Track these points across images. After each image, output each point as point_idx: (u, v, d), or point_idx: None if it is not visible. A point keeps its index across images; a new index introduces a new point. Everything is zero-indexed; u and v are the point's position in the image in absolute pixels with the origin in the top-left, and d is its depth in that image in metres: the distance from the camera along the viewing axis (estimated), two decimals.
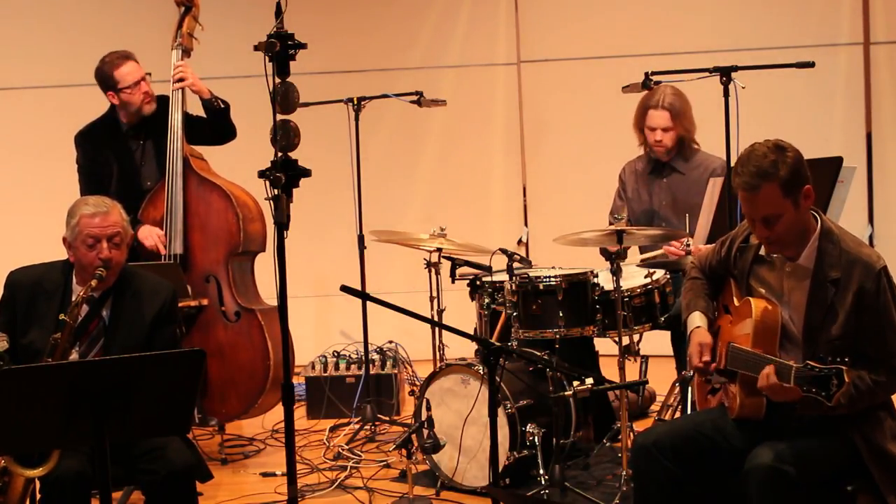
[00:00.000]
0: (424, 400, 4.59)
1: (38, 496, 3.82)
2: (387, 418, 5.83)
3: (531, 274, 4.99)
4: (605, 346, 5.32)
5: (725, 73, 4.70)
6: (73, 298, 3.88)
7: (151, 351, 3.77)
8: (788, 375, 3.28)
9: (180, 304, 4.46)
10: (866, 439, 3.42)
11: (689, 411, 4.85)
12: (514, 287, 4.90)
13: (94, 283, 3.86)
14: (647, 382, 5.48)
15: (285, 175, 3.55)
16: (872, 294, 3.38)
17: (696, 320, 3.72)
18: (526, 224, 7.18)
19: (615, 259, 4.69)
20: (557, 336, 4.85)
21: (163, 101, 5.40)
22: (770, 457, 3.34)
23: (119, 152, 5.43)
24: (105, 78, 5.33)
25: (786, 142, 3.46)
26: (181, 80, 5.33)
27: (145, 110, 5.38)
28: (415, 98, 5.84)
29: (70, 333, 3.81)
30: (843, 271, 3.42)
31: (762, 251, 3.58)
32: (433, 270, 5.42)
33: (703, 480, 3.50)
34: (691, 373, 4.69)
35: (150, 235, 5.25)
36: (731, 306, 3.69)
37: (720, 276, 3.79)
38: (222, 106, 5.41)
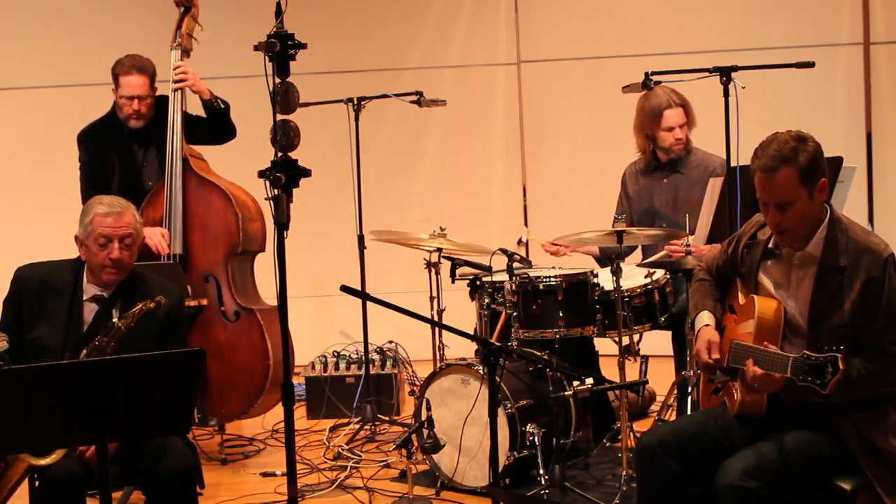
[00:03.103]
0: (424, 400, 4.59)
1: (35, 494, 3.83)
2: (387, 418, 5.83)
3: (531, 274, 4.99)
4: (605, 346, 5.32)
5: (725, 73, 4.70)
6: (132, 310, 3.84)
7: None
8: (785, 366, 3.29)
9: None
10: (860, 434, 3.41)
11: (688, 411, 4.85)
12: (514, 287, 4.90)
13: (151, 304, 3.86)
14: (647, 382, 5.49)
15: (285, 175, 3.55)
16: (879, 282, 3.41)
17: (705, 319, 3.74)
18: (526, 224, 7.18)
19: (615, 259, 4.70)
20: (557, 336, 4.85)
21: (162, 102, 5.41)
22: (736, 474, 3.35)
23: (121, 152, 5.44)
24: (114, 74, 5.37)
25: (807, 133, 3.50)
26: (182, 80, 5.34)
27: (131, 124, 5.39)
28: (415, 98, 5.83)
29: (117, 339, 3.81)
30: (851, 260, 3.44)
31: (771, 244, 3.60)
32: (433, 270, 5.42)
33: (707, 481, 3.49)
34: (692, 373, 4.72)
35: (152, 235, 5.24)
36: (736, 305, 3.70)
37: (727, 277, 3.80)
38: (222, 106, 5.42)
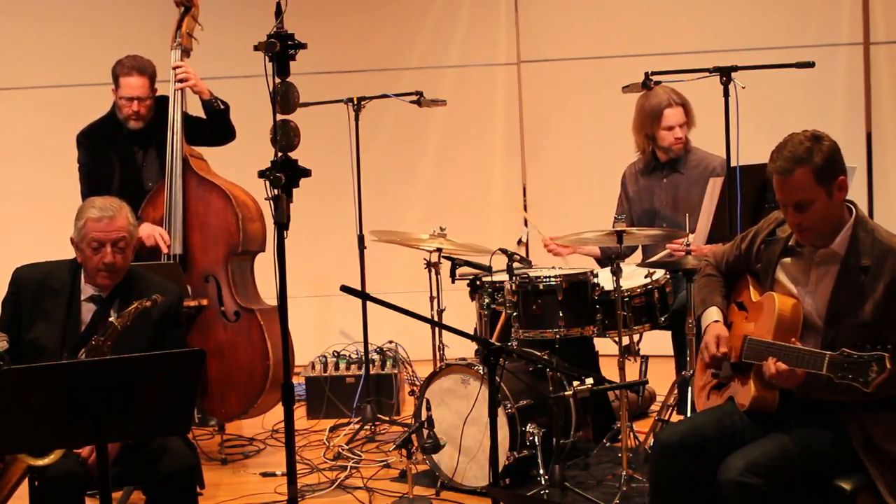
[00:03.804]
0: (424, 400, 4.59)
1: (34, 495, 3.82)
2: (387, 418, 5.83)
3: (531, 274, 4.99)
4: (605, 346, 5.32)
5: (725, 73, 4.70)
6: (128, 309, 3.85)
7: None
8: (821, 363, 3.27)
9: None
10: (865, 433, 3.40)
11: (688, 412, 4.84)
12: (514, 287, 4.90)
13: (147, 303, 3.86)
14: (647, 382, 5.48)
15: (285, 175, 3.55)
16: None
17: (714, 315, 3.73)
18: (526, 224, 7.18)
19: (615, 259, 4.70)
20: (557, 336, 4.85)
21: (162, 103, 5.40)
22: (738, 470, 3.35)
23: (121, 152, 5.44)
24: (114, 75, 5.37)
25: (823, 133, 3.50)
26: (184, 80, 5.33)
27: (130, 125, 5.39)
28: (415, 98, 5.83)
29: (113, 338, 3.81)
30: (875, 260, 3.43)
31: (792, 242, 3.59)
32: (433, 270, 5.42)
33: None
34: (692, 372, 4.72)
35: (151, 234, 5.24)
36: (747, 302, 3.69)
37: (736, 273, 3.80)
38: (222, 107, 5.41)
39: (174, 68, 5.35)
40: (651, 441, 4.95)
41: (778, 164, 3.46)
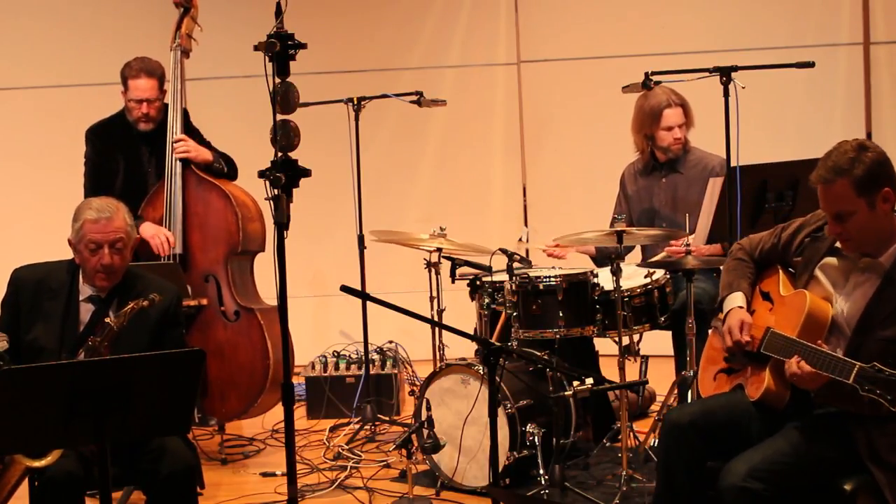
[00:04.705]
0: (424, 400, 4.59)
1: (34, 495, 3.82)
2: (387, 418, 5.83)
3: (531, 274, 4.99)
4: (605, 346, 5.32)
5: (725, 73, 4.70)
6: (124, 309, 3.84)
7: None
8: (849, 372, 3.23)
9: None
10: (869, 440, 3.39)
11: None
12: (514, 287, 4.90)
13: (144, 303, 3.86)
14: (647, 382, 5.48)
15: (285, 175, 3.55)
16: None
17: (738, 300, 3.71)
18: (526, 224, 7.18)
19: (615, 259, 4.70)
20: (557, 336, 4.85)
21: (164, 108, 5.40)
22: (740, 475, 3.35)
23: (128, 152, 5.44)
24: (123, 77, 5.38)
25: (871, 143, 3.47)
26: (185, 151, 5.29)
27: (140, 127, 5.39)
28: (415, 98, 5.83)
29: (111, 338, 3.81)
30: None
31: (838, 243, 3.56)
32: (433, 270, 5.42)
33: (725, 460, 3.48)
34: (692, 373, 4.72)
35: (156, 234, 5.23)
36: (774, 294, 3.66)
37: (769, 262, 3.77)
38: (225, 169, 5.42)
39: (175, 141, 5.31)
40: (651, 441, 4.96)
41: (820, 173, 3.43)
